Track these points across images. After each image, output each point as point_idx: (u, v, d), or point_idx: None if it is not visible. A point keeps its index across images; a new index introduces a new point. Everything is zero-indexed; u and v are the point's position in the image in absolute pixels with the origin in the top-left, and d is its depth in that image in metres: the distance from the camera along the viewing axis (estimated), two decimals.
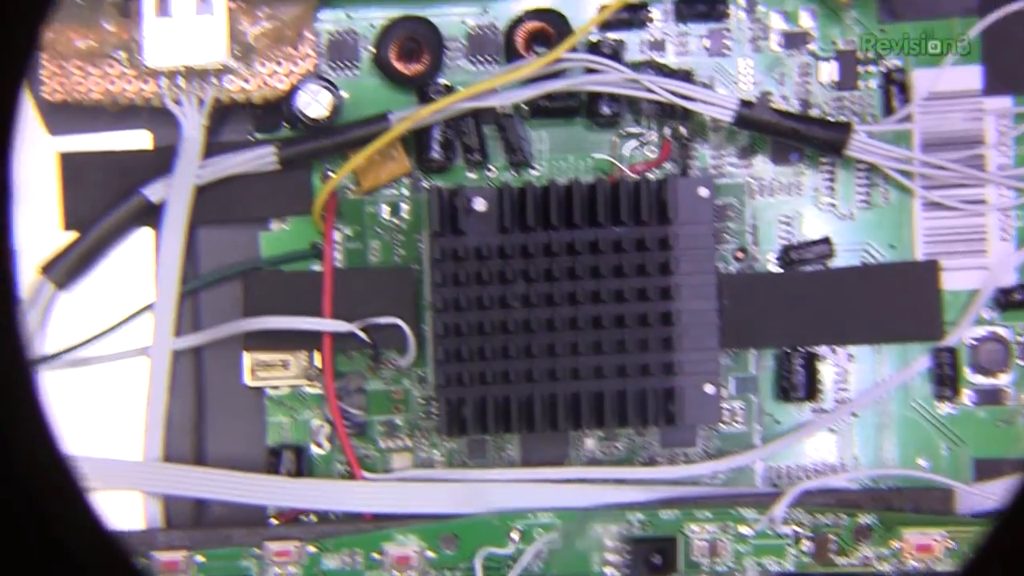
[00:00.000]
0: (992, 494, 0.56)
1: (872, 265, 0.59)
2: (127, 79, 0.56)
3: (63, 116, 0.58)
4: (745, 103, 0.56)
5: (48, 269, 0.57)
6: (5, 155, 0.32)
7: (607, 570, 0.56)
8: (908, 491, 0.57)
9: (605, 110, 0.58)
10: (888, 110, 0.59)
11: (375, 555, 0.55)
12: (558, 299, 0.55)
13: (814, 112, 0.59)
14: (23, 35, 0.32)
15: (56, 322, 0.58)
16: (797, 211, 0.59)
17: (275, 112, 0.58)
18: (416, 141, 0.58)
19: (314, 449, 0.59)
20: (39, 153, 0.58)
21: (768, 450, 0.58)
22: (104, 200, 0.57)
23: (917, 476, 0.58)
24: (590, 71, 0.57)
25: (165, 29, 0.55)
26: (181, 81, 0.56)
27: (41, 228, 0.58)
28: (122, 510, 0.57)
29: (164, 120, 0.57)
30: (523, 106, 0.58)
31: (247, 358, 0.58)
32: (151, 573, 0.57)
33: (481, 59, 0.59)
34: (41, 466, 0.33)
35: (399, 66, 0.58)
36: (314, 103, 0.56)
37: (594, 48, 0.58)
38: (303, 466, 0.58)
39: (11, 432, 0.32)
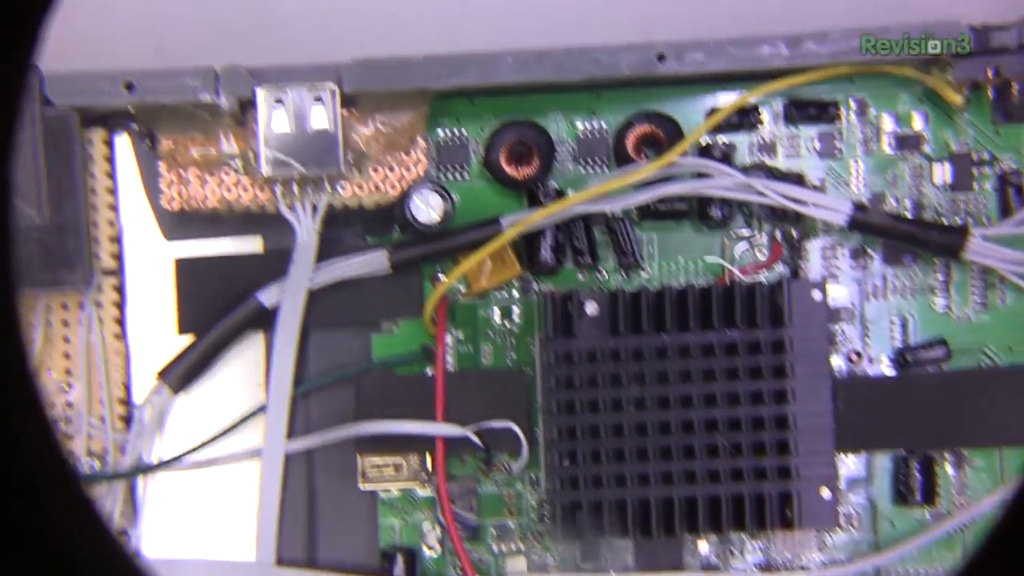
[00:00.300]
0: None
1: (990, 369, 0.58)
2: (242, 187, 0.57)
3: (180, 223, 0.58)
4: (859, 207, 0.56)
5: (164, 374, 0.57)
6: (5, 155, 0.32)
7: None
8: None
9: (716, 213, 0.58)
10: (1005, 212, 0.58)
11: None
12: (672, 402, 0.55)
13: (927, 214, 0.59)
14: (25, 34, 0.32)
15: (172, 426, 0.58)
16: (911, 313, 0.59)
17: (386, 216, 0.58)
18: (526, 244, 0.58)
19: (426, 552, 0.59)
20: (156, 259, 0.58)
21: (886, 557, 0.57)
22: (217, 303, 0.58)
23: None
24: (701, 175, 0.57)
25: (280, 138, 0.55)
26: (295, 188, 0.56)
27: (156, 332, 0.58)
28: None
29: (275, 224, 0.58)
30: (633, 209, 0.58)
31: (360, 461, 0.58)
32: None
33: (590, 162, 0.59)
34: (43, 468, 0.33)
35: (509, 170, 0.59)
36: (426, 208, 0.57)
37: (705, 151, 0.58)
38: (415, 569, 0.58)
39: (11, 433, 0.32)
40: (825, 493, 0.55)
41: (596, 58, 0.56)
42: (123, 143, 0.58)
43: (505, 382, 0.58)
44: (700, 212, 0.58)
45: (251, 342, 0.59)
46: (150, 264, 0.59)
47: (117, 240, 0.58)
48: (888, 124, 0.59)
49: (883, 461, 0.59)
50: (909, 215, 0.59)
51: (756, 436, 0.55)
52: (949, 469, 0.59)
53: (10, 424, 0.32)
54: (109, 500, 0.57)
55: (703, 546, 0.59)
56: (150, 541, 0.59)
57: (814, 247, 0.59)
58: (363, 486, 0.58)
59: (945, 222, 0.58)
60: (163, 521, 0.59)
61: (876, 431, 0.58)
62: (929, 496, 0.58)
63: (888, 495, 0.59)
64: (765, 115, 0.59)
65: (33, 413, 0.34)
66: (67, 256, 0.54)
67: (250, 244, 0.59)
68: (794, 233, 0.59)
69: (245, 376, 0.59)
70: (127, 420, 0.58)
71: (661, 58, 0.56)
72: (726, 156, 0.58)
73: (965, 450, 0.58)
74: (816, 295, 0.56)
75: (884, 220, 0.56)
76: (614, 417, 0.55)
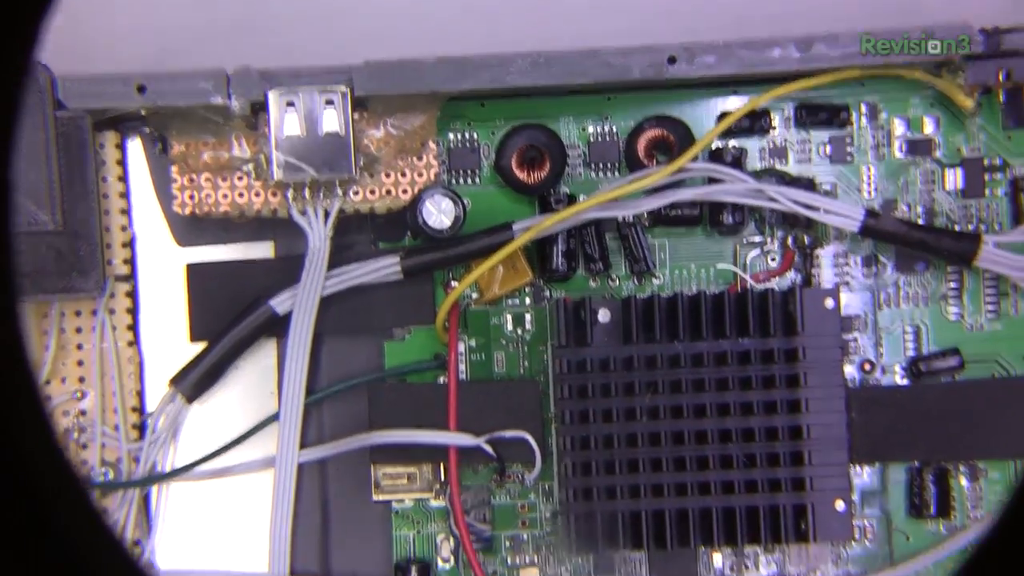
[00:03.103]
0: None
1: (1004, 378, 0.59)
2: (255, 191, 0.58)
3: (192, 228, 0.60)
4: (872, 214, 0.58)
5: (177, 381, 0.58)
6: (5, 155, 0.33)
7: None
8: None
9: (728, 219, 0.59)
10: (1017, 218, 0.60)
11: None
12: (686, 412, 0.57)
13: (940, 221, 0.60)
14: (24, 33, 0.33)
15: (186, 435, 0.60)
16: (924, 322, 0.60)
17: (398, 221, 0.60)
18: (538, 250, 0.60)
19: (440, 564, 0.60)
20: (169, 265, 0.60)
21: (901, 571, 0.59)
22: (229, 309, 0.59)
23: None
24: (712, 180, 0.58)
25: (292, 142, 0.57)
26: (307, 193, 0.58)
27: (169, 339, 0.60)
28: None
29: (287, 229, 0.59)
30: (644, 214, 0.59)
31: (373, 471, 0.59)
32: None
33: (601, 167, 0.61)
34: (49, 477, 0.34)
35: (520, 175, 0.60)
36: (439, 214, 0.58)
37: (716, 156, 0.60)
38: None
39: (11, 433, 0.32)
40: (839, 505, 0.57)
41: (606, 61, 0.57)
42: (135, 147, 0.60)
43: (518, 391, 0.59)
44: (712, 218, 0.60)
45: (264, 349, 0.60)
46: (163, 270, 0.60)
47: (130, 246, 0.60)
48: (899, 128, 0.61)
49: (897, 473, 0.60)
50: (921, 222, 0.60)
51: (770, 447, 0.57)
52: (964, 481, 0.60)
53: (13, 433, 0.33)
54: (123, 510, 0.58)
55: (717, 559, 0.60)
56: (164, 552, 0.60)
57: (826, 254, 0.60)
58: (376, 497, 0.59)
59: (957, 229, 0.60)
60: (177, 532, 0.60)
61: (890, 442, 0.59)
62: (944, 509, 0.59)
63: (903, 508, 0.60)
64: (776, 119, 0.61)
65: (38, 423, 0.35)
66: (80, 262, 0.56)
67: (262, 250, 0.61)
68: (806, 240, 0.60)
69: (258, 384, 0.60)
70: (141, 429, 0.59)
71: (672, 61, 0.57)
72: (737, 160, 0.59)
73: (980, 462, 0.60)
74: (829, 303, 0.57)
75: (896, 227, 0.58)
76: (627, 427, 0.57)
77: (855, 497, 0.60)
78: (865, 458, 0.59)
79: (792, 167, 0.61)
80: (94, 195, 0.56)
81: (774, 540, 0.57)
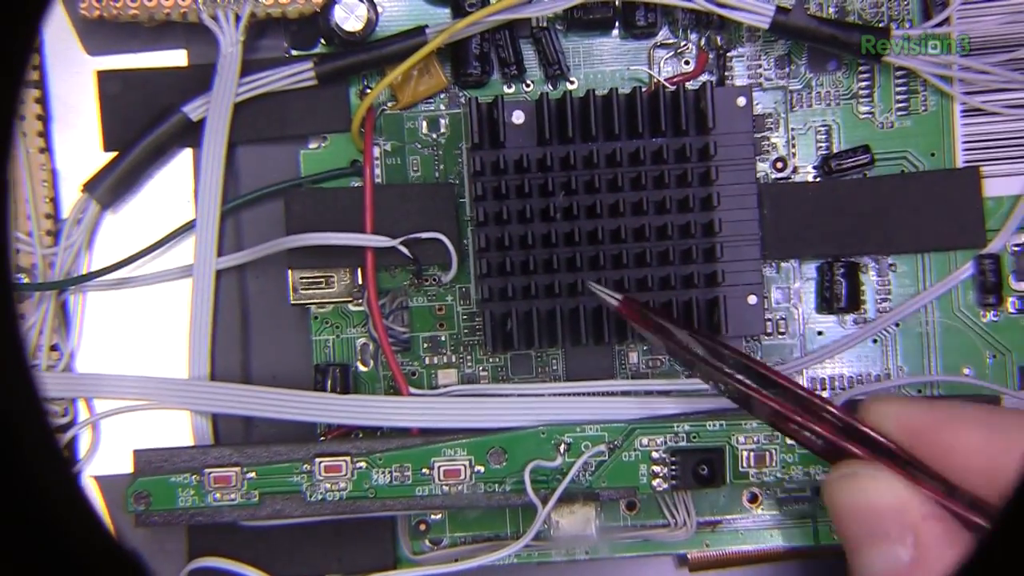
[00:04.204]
0: None
1: (912, 173, 0.61)
2: None
3: (100, 34, 0.60)
4: (781, 9, 0.58)
5: (91, 187, 0.59)
6: (5, 155, 0.34)
7: (655, 482, 0.59)
8: (953, 398, 0.59)
9: (640, 20, 0.60)
10: (926, 15, 0.61)
11: (424, 470, 0.57)
12: (600, 210, 0.57)
13: (851, 19, 0.61)
14: (21, 33, 0.33)
15: (102, 244, 0.60)
16: (836, 120, 0.61)
17: (311, 27, 0.60)
18: (452, 56, 0.60)
19: (359, 367, 0.61)
20: (77, 72, 0.60)
21: (811, 360, 0.61)
22: (143, 119, 0.60)
23: (964, 383, 0.60)
24: None
25: None
26: None
27: (82, 149, 0.60)
28: (170, 429, 0.60)
29: (200, 38, 0.60)
30: (559, 19, 0.60)
31: (290, 275, 0.60)
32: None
33: None
34: (38, 457, 0.34)
35: None
36: (350, 17, 0.58)
37: None
38: (349, 384, 0.60)
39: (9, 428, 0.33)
40: (752, 299, 0.58)
41: None
42: None
43: (433, 194, 0.60)
44: (625, 20, 0.60)
45: (180, 161, 0.61)
46: (72, 78, 0.60)
47: (38, 50, 0.59)
48: None
49: (809, 270, 0.62)
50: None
51: (683, 243, 0.58)
52: (873, 275, 0.62)
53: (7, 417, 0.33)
54: (39, 313, 0.59)
55: (633, 357, 0.61)
56: (84, 357, 0.61)
57: (740, 56, 0.61)
58: (294, 301, 0.60)
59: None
60: (97, 339, 0.61)
61: (801, 238, 0.60)
62: (854, 302, 0.61)
63: (814, 303, 0.62)
64: None
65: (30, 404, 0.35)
66: None
67: (175, 59, 0.61)
68: (719, 41, 0.61)
69: (174, 195, 0.61)
70: (55, 236, 0.60)
71: None
72: None
73: (889, 256, 0.62)
74: (741, 101, 0.58)
75: (807, 22, 0.59)
76: (542, 227, 0.58)
77: (769, 292, 0.62)
78: (777, 254, 0.61)
79: None
80: None
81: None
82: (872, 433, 0.39)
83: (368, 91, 0.61)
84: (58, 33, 0.60)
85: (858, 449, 0.39)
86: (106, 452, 0.61)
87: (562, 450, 0.58)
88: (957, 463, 0.37)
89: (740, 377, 0.46)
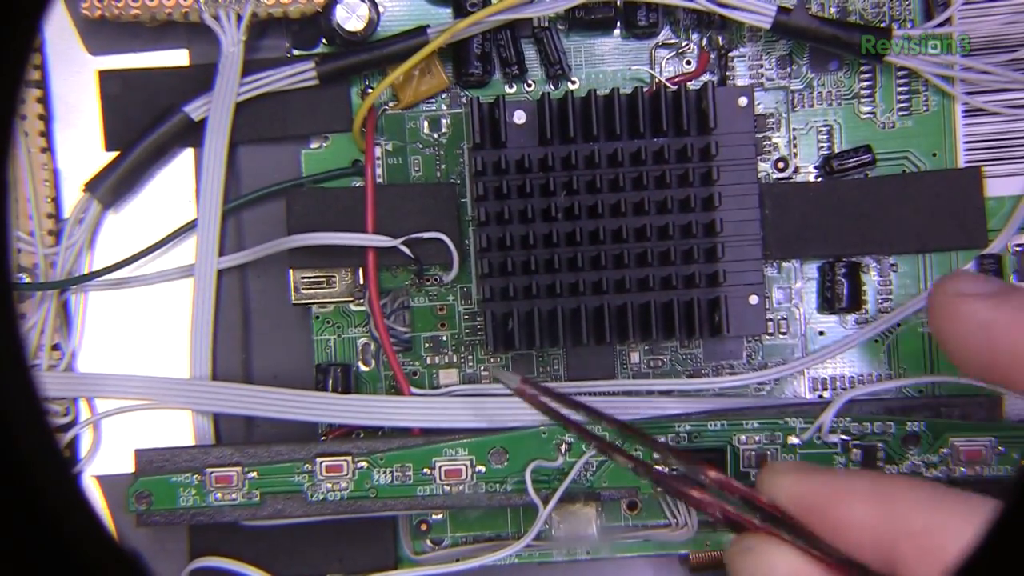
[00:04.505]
0: None
1: (914, 173, 0.61)
2: None
3: (102, 34, 0.60)
4: (783, 9, 0.58)
5: (92, 187, 0.59)
6: (5, 155, 0.34)
7: None
8: (956, 398, 0.60)
9: (642, 20, 0.60)
10: (928, 15, 0.61)
11: (426, 470, 0.57)
12: (602, 210, 0.58)
13: (853, 19, 0.61)
14: (21, 33, 0.33)
15: (104, 243, 0.61)
16: (837, 120, 0.61)
17: (312, 27, 0.60)
18: (454, 55, 0.61)
19: (361, 367, 0.61)
20: (78, 72, 0.60)
21: (813, 360, 0.61)
22: (144, 118, 0.60)
23: (964, 383, 0.60)
24: None
25: None
26: None
27: (84, 149, 0.60)
28: (171, 429, 0.60)
29: (201, 38, 0.60)
30: (560, 19, 0.60)
31: (292, 275, 0.60)
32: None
33: None
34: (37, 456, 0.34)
35: None
36: (352, 17, 0.59)
37: None
38: (350, 383, 0.61)
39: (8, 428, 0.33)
40: (753, 299, 0.58)
41: None
42: None
43: (435, 194, 0.60)
44: (627, 21, 0.60)
45: (181, 161, 0.61)
46: (74, 78, 0.60)
47: (40, 50, 0.60)
48: None
49: (810, 270, 0.62)
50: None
51: (685, 243, 0.58)
52: (874, 275, 0.62)
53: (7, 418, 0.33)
54: (40, 312, 0.59)
55: (634, 356, 0.62)
56: (85, 357, 0.61)
57: (741, 56, 0.61)
58: (296, 301, 0.60)
59: None
60: (99, 339, 0.61)
61: (803, 238, 0.61)
62: (855, 302, 0.61)
63: (815, 303, 0.62)
64: None
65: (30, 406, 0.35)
66: None
67: (177, 59, 0.61)
68: (720, 41, 0.61)
69: (176, 195, 0.61)
70: (57, 235, 0.60)
71: None
72: None
73: (890, 256, 0.62)
74: (742, 101, 0.58)
75: (808, 22, 0.59)
76: (544, 227, 0.58)
77: (770, 293, 0.62)
78: (778, 253, 0.61)
79: None
80: None
81: (688, 334, 0.58)
82: (767, 508, 0.40)
83: (370, 91, 0.61)
84: (59, 33, 0.60)
85: (757, 522, 0.39)
86: (107, 452, 0.61)
87: (563, 450, 0.58)
88: (849, 539, 0.37)
89: (636, 455, 0.45)
